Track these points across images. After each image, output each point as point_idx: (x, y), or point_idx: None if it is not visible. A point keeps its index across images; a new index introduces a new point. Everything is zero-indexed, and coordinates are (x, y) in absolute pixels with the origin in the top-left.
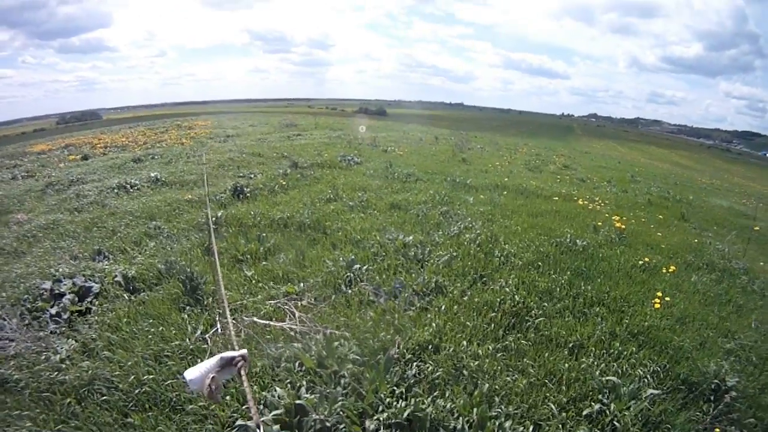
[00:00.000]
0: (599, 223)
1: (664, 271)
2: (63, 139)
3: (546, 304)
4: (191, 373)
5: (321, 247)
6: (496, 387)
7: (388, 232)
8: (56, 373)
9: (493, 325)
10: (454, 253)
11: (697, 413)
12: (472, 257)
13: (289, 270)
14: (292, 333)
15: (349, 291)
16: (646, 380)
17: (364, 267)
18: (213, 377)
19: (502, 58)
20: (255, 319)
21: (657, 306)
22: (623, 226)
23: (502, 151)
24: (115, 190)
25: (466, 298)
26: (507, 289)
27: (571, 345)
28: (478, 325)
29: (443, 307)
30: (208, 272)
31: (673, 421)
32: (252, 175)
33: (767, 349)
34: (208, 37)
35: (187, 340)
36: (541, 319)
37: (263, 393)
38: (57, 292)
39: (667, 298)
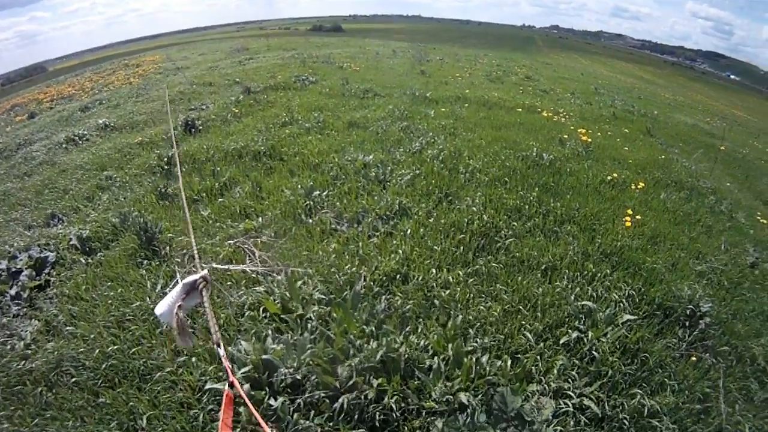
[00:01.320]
0: (565, 136)
1: (632, 187)
2: (9, 101)
3: (515, 223)
4: (160, 308)
5: (278, 176)
6: (470, 318)
7: (347, 152)
8: (24, 362)
9: (461, 247)
10: (417, 171)
11: (673, 339)
12: (436, 175)
13: (246, 204)
14: (254, 275)
15: (310, 221)
16: (621, 305)
17: (324, 193)
18: (180, 305)
19: None
20: (214, 264)
21: (628, 224)
22: (589, 140)
23: (462, 63)
24: (64, 145)
25: (432, 220)
26: (474, 209)
27: (543, 267)
28: (446, 248)
29: (409, 231)
30: (164, 218)
31: (650, 348)
32: (204, 107)
33: (737, 273)
34: None
35: (148, 299)
36: (511, 239)
37: (228, 348)
38: (14, 270)
39: (638, 216)
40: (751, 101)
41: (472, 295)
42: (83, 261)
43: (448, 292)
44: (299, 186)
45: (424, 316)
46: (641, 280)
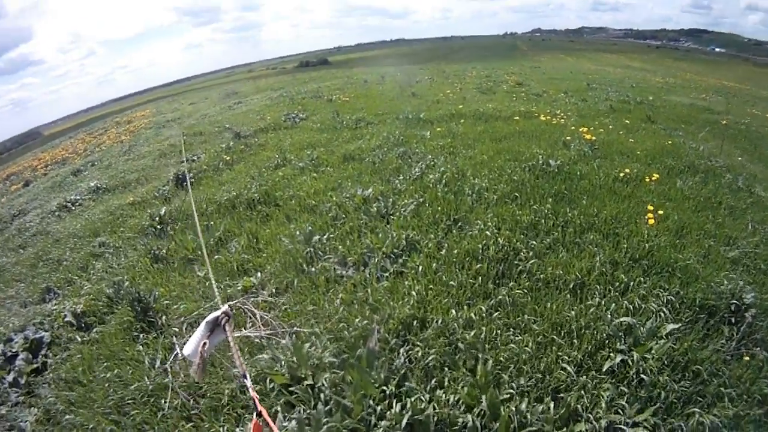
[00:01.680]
0: (568, 138)
1: (647, 180)
2: (5, 170)
3: (533, 241)
4: (187, 349)
5: (275, 223)
6: (501, 358)
7: (344, 189)
8: None
9: (480, 278)
10: (421, 199)
11: (721, 341)
12: (441, 200)
13: (243, 259)
14: (257, 340)
15: (312, 269)
16: (662, 314)
17: (324, 236)
18: (204, 343)
19: None
20: None
21: (651, 222)
22: (593, 137)
23: (451, 79)
24: (57, 213)
25: (443, 252)
26: (488, 232)
27: (571, 285)
28: (463, 281)
29: (420, 268)
30: (159, 283)
31: (700, 356)
32: (195, 158)
33: None
34: (134, 24)
35: (146, 379)
36: (532, 260)
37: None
38: (10, 353)
39: (660, 211)
40: (740, 71)
41: (498, 331)
42: (79, 339)
43: (472, 333)
44: (297, 232)
45: (450, 365)
46: (677, 281)
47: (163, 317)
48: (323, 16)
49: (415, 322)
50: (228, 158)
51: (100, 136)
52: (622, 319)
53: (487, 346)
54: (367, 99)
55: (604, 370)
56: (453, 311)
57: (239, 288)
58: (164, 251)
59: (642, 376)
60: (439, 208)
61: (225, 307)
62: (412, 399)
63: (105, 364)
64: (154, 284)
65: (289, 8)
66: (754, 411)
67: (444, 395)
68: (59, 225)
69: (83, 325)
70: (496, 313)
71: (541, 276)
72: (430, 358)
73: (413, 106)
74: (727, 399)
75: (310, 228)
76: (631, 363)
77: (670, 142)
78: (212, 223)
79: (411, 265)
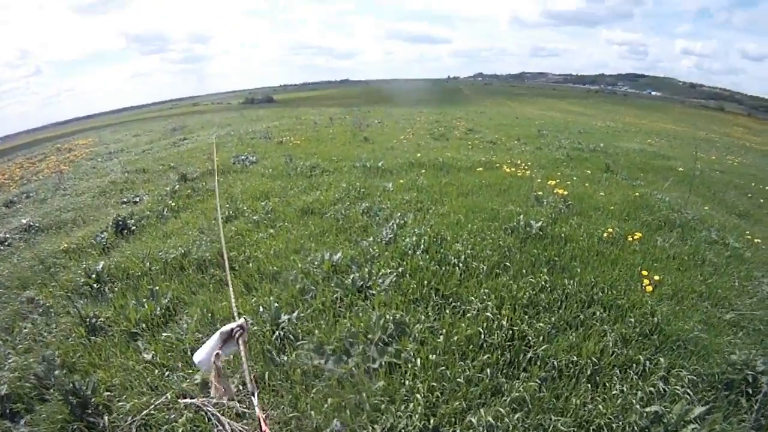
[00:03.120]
0: (539, 192)
1: (629, 239)
2: None
3: (540, 324)
4: (199, 355)
5: (232, 292)
6: None
7: (307, 250)
8: None
9: (487, 370)
10: (400, 269)
11: (744, 415)
12: (425, 271)
13: (198, 339)
14: None
15: (285, 358)
16: (688, 396)
17: (294, 315)
18: (217, 354)
19: (384, 30)
20: None
21: (649, 289)
22: (566, 192)
23: (402, 123)
24: None
25: (441, 339)
26: (488, 314)
27: (588, 372)
28: (471, 376)
29: (418, 362)
30: (97, 364)
31: None
32: (137, 199)
33: (765, 312)
34: (83, 46)
35: None
36: (543, 347)
37: None
38: None
39: (656, 277)
40: (675, 113)
41: None
42: None
43: None
44: (260, 307)
45: None
46: (692, 357)
47: (106, 417)
48: (273, 53)
49: None
50: (173, 204)
51: (39, 163)
52: (650, 409)
53: None
54: (318, 143)
55: None
56: (472, 420)
57: (196, 382)
58: (102, 320)
59: None
60: (425, 281)
61: (241, 320)
62: None
63: None
64: (90, 365)
65: (240, 43)
66: None
67: None
68: None
69: (9, 413)
70: (517, 415)
71: (554, 363)
72: None
73: (368, 153)
74: None
75: (276, 304)
76: None
77: (636, 193)
78: (157, 287)
79: (405, 356)
